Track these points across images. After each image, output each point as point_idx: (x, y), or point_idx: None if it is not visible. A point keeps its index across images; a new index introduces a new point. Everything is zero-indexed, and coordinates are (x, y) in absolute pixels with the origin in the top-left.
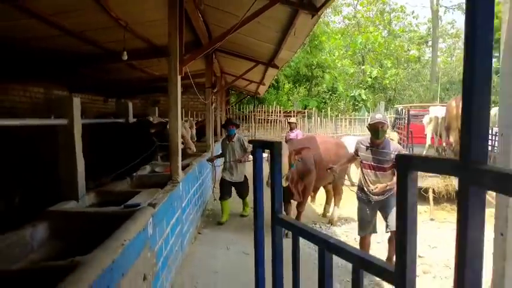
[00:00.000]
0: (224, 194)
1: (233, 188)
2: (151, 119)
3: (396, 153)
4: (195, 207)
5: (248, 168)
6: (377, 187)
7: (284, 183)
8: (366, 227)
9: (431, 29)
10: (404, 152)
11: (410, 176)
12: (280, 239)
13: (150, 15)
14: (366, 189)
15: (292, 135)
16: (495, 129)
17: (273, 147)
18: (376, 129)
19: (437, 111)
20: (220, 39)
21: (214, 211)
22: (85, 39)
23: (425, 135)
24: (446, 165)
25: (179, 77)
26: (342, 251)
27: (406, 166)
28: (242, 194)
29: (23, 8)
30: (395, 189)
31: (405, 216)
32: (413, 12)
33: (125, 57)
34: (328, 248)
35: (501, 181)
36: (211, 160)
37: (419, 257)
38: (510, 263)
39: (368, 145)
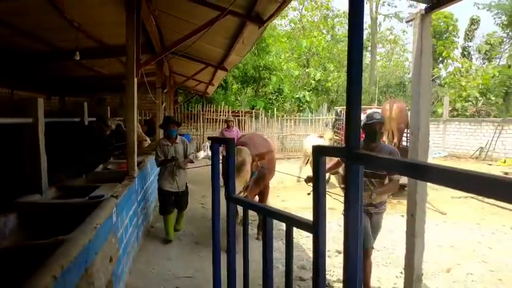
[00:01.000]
0: (166, 207)
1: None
2: (109, 122)
3: (392, 156)
4: (148, 202)
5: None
6: (375, 194)
7: (243, 194)
8: (368, 239)
9: (370, 35)
10: (398, 153)
11: (321, 160)
12: (233, 215)
13: (103, 17)
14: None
15: (230, 134)
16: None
17: (228, 143)
18: (373, 131)
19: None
20: (174, 45)
21: None
22: (36, 39)
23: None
24: (340, 151)
25: (136, 80)
26: (279, 215)
27: (319, 153)
28: (182, 207)
29: None
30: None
31: (318, 188)
32: None
33: (77, 57)
34: (269, 214)
35: (366, 159)
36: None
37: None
38: (419, 240)
39: (362, 149)
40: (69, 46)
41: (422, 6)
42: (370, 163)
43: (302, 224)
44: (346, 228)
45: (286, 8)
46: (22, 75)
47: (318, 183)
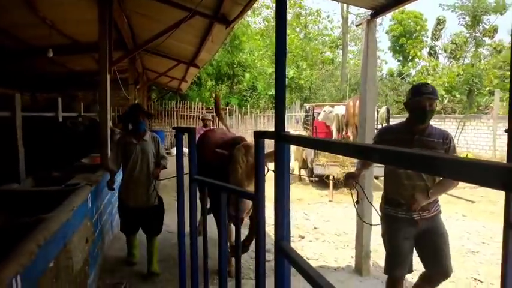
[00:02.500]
0: (128, 228)
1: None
2: (80, 119)
3: (448, 141)
4: None
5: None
6: (432, 192)
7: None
8: (403, 262)
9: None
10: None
11: (260, 142)
12: (195, 195)
13: (75, 15)
14: (405, 202)
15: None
16: (384, 125)
17: (190, 131)
18: (422, 108)
19: (339, 109)
20: (146, 44)
21: None
22: (8, 35)
23: (330, 129)
24: (271, 134)
25: (108, 76)
26: (229, 189)
27: (258, 136)
28: (152, 228)
29: None
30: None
31: (259, 164)
32: (328, 16)
33: (51, 54)
34: (222, 189)
35: (291, 139)
36: (111, 187)
37: (315, 228)
38: (366, 219)
39: (405, 134)
40: (42, 43)
41: (369, 12)
42: (295, 142)
43: (246, 194)
44: (276, 193)
45: (257, 6)
46: None
47: (258, 160)
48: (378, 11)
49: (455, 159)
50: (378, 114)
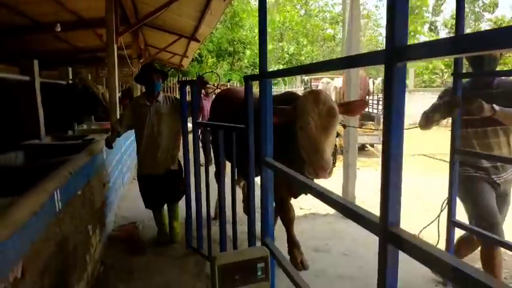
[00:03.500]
0: (153, 201)
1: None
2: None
3: None
4: (129, 157)
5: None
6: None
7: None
8: (496, 222)
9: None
10: None
11: (250, 84)
12: (197, 141)
13: None
14: (483, 163)
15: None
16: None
17: (193, 83)
18: (483, 58)
19: (337, 82)
20: (149, 16)
21: None
22: (16, 11)
23: None
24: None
25: (116, 46)
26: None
27: (248, 79)
28: (174, 195)
29: None
30: None
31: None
32: None
33: (59, 28)
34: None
35: (269, 75)
36: (109, 143)
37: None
38: (351, 169)
39: (473, 86)
40: (49, 19)
41: None
42: (277, 75)
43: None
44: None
45: None
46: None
47: (247, 102)
48: None
49: None
50: (373, 85)
